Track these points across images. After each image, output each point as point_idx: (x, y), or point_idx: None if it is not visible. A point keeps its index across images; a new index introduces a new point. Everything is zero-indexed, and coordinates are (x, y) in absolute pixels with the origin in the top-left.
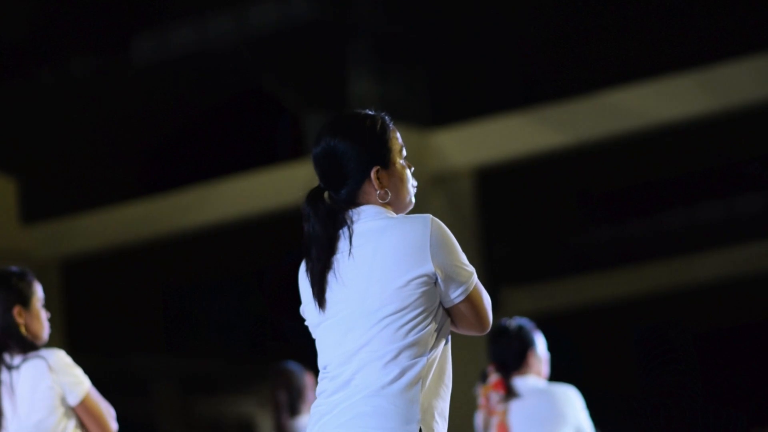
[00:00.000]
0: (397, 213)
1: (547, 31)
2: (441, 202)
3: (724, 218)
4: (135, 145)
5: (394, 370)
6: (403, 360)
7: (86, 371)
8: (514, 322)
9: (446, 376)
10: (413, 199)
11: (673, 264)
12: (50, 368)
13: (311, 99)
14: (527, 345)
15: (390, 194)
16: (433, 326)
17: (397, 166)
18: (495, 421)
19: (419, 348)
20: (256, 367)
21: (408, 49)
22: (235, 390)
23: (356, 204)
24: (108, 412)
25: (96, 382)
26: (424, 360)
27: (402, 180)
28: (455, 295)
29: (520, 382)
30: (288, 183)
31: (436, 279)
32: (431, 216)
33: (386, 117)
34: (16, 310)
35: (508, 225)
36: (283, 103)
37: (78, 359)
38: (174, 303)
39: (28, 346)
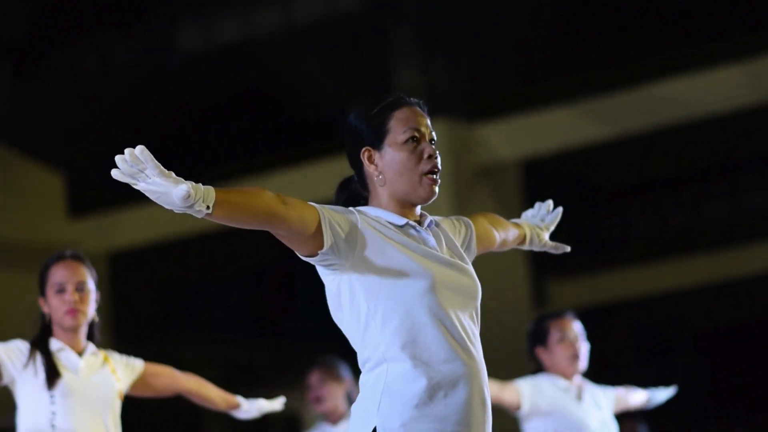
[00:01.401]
0: (407, 199)
1: (592, 23)
2: (487, 194)
3: (763, 210)
4: (179, 136)
5: None
6: None
7: None
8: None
9: None
10: (429, 187)
11: (717, 256)
12: None
13: (355, 90)
14: (532, 345)
15: (384, 178)
16: None
17: (394, 146)
18: None
19: None
20: (301, 359)
21: (453, 39)
22: (282, 382)
23: (368, 191)
24: None
25: None
26: None
27: (398, 162)
28: None
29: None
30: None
31: None
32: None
33: (402, 98)
34: (40, 300)
35: None
36: (328, 93)
37: (125, 348)
38: (220, 294)
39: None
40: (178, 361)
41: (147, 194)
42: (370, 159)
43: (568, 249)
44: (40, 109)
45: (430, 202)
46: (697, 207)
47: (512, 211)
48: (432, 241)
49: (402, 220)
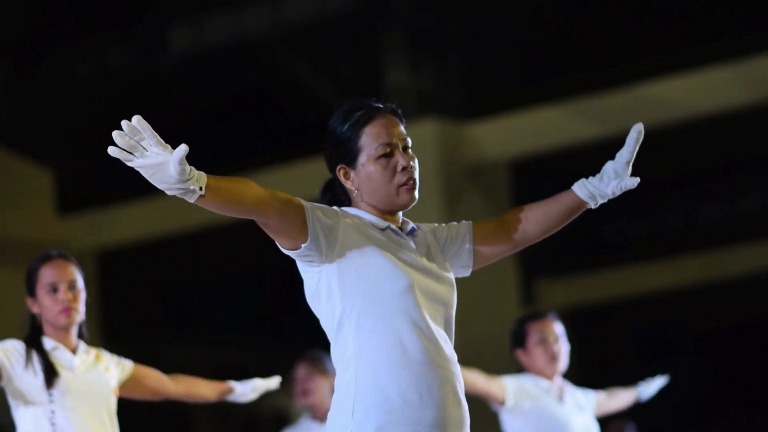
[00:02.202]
0: (387, 209)
1: (582, 23)
2: (476, 194)
3: (761, 211)
4: (169, 136)
5: None
6: None
7: None
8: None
9: None
10: (407, 195)
11: (708, 257)
12: None
13: (346, 90)
14: (512, 346)
15: (361, 193)
16: None
17: (368, 164)
18: None
19: None
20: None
21: (443, 40)
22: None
23: (349, 199)
24: None
25: None
26: None
27: (372, 179)
28: None
29: None
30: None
31: None
32: None
33: (373, 110)
34: (29, 300)
35: None
36: (318, 94)
37: (113, 348)
38: (210, 293)
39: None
40: (167, 362)
41: (143, 171)
42: (346, 176)
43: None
44: (30, 108)
45: (410, 207)
46: (691, 207)
47: (502, 211)
48: (412, 245)
49: (384, 224)
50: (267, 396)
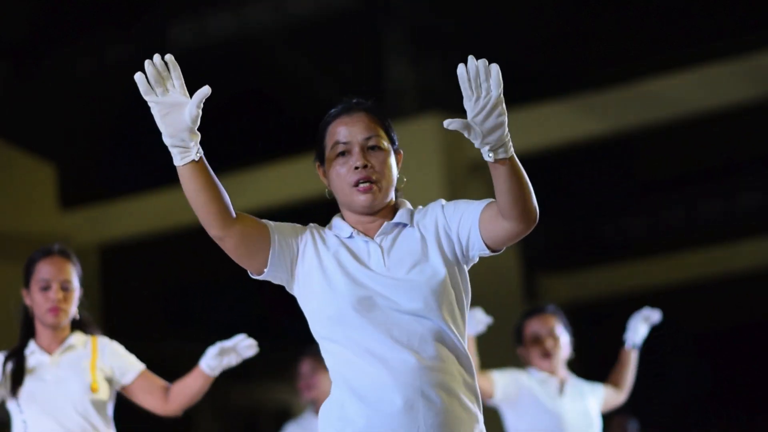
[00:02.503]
0: (354, 212)
1: (585, 20)
2: (479, 190)
3: (762, 208)
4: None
5: None
6: None
7: None
8: None
9: None
10: (361, 196)
11: (710, 253)
12: None
13: (347, 87)
14: (515, 344)
15: (331, 191)
16: None
17: (329, 163)
18: None
19: None
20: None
21: (444, 37)
22: (272, 377)
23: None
24: None
25: None
26: None
27: (332, 180)
28: None
29: None
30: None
31: None
32: None
33: (338, 111)
34: (23, 291)
35: (545, 213)
36: (319, 92)
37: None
38: (212, 288)
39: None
40: (167, 358)
41: (157, 108)
42: (323, 174)
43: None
44: (33, 102)
45: (371, 209)
46: (692, 204)
47: None
48: (376, 253)
49: (348, 232)
50: (269, 391)
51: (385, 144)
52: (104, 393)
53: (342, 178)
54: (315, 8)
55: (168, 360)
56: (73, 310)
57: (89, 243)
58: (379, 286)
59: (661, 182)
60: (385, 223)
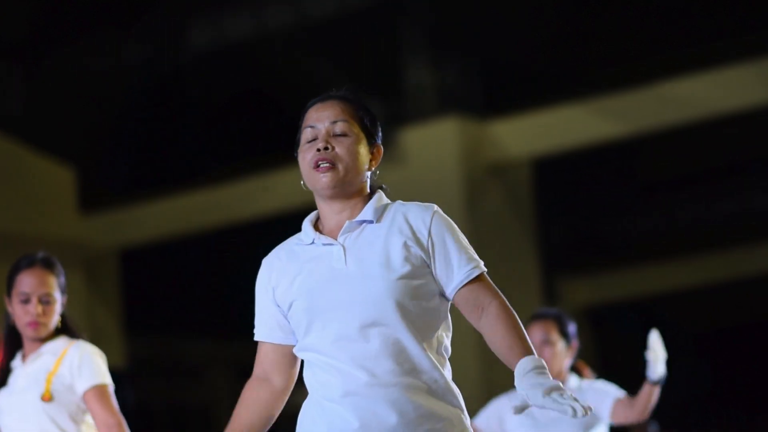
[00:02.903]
0: (321, 197)
1: (605, 21)
2: (498, 192)
3: None
4: (191, 134)
5: None
6: None
7: (142, 357)
8: None
9: None
10: (320, 177)
11: (729, 254)
12: None
13: (366, 89)
14: None
15: (304, 179)
16: None
17: (301, 149)
18: None
19: None
20: None
21: (463, 37)
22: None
23: None
24: None
25: (153, 367)
26: None
27: (300, 164)
28: None
29: None
30: None
31: None
32: None
33: (313, 101)
34: (6, 299)
35: (564, 215)
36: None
37: (135, 345)
38: (230, 291)
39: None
40: (188, 359)
41: None
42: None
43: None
44: (52, 107)
45: (332, 190)
46: (710, 206)
47: (524, 209)
48: (338, 254)
49: (309, 238)
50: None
51: (355, 131)
52: (63, 401)
53: (306, 162)
54: (334, 10)
55: (188, 362)
56: (54, 321)
57: (108, 247)
58: (339, 293)
59: (680, 183)
60: (347, 222)
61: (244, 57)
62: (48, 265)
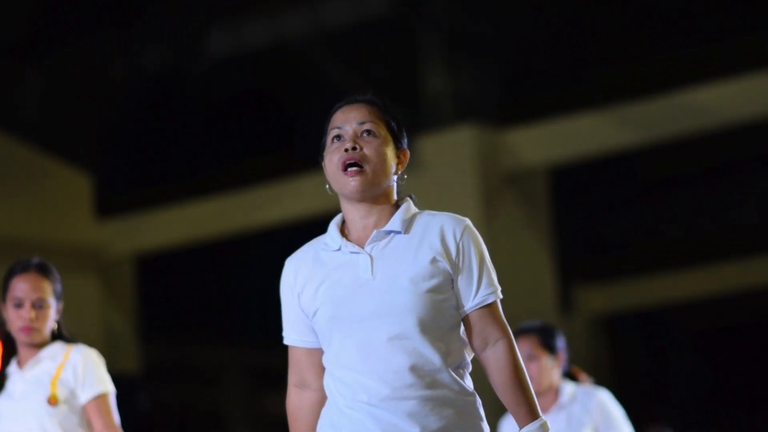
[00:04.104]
0: (348, 200)
1: (622, 28)
2: (515, 201)
3: None
4: (208, 140)
5: None
6: None
7: (158, 362)
8: None
9: None
10: (349, 180)
11: (747, 263)
12: None
13: (383, 96)
14: None
15: (330, 183)
16: None
17: (327, 151)
18: None
19: None
20: None
21: (480, 45)
22: None
23: None
24: None
25: (167, 372)
26: None
27: (327, 166)
28: None
29: None
30: None
31: None
32: None
33: (338, 105)
34: (0, 305)
35: (581, 223)
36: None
37: (150, 350)
38: (245, 297)
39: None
40: (203, 365)
41: None
42: (324, 169)
43: None
44: (69, 112)
45: (361, 194)
46: (725, 213)
47: (540, 217)
48: (365, 263)
49: (336, 244)
50: None
51: (382, 133)
52: (68, 406)
53: (333, 164)
54: (351, 16)
55: (203, 367)
56: (48, 326)
57: (125, 253)
58: (365, 303)
59: (697, 191)
60: (375, 231)
61: (261, 65)
62: (43, 271)
